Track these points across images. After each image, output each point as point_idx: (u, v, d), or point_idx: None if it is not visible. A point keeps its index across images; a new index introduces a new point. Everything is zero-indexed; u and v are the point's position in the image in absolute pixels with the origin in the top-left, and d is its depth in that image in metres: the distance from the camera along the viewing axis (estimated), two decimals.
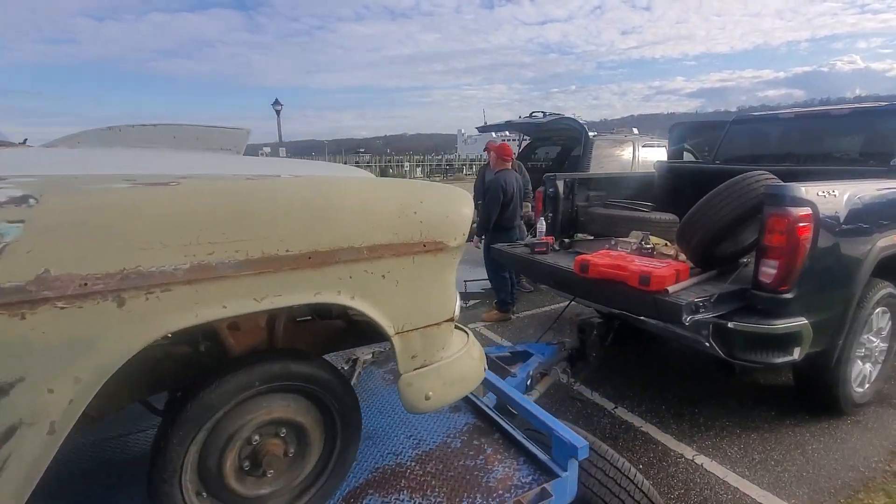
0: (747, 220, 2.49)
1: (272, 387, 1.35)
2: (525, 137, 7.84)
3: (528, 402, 1.80)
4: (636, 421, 2.94)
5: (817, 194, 2.33)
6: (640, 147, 6.83)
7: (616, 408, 3.07)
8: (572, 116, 6.53)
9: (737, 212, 2.49)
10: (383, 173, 29.55)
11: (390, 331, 1.36)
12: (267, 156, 29.55)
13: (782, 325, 2.31)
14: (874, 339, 2.92)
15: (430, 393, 1.46)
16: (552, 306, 4.89)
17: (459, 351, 1.55)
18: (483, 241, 4.73)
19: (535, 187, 4.48)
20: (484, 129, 7.34)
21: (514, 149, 6.09)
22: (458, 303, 1.59)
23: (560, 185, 3.73)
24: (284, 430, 1.39)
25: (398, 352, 1.40)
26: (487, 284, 5.06)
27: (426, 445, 1.83)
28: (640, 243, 2.86)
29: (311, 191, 1.24)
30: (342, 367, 2.34)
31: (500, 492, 1.53)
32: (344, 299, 1.26)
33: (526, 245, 3.33)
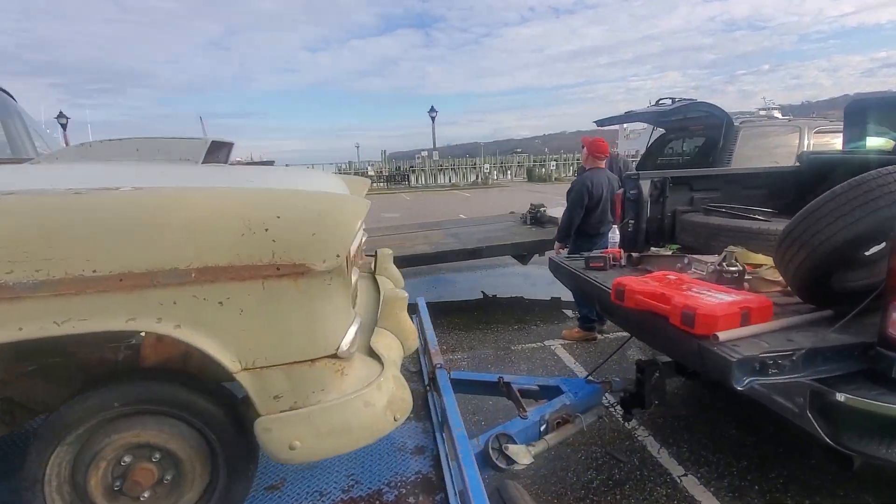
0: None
1: (140, 409, 1.26)
2: (659, 130, 6.69)
3: (474, 478, 1.39)
4: (707, 501, 2.16)
5: None
6: (810, 134, 5.24)
7: (685, 475, 2.32)
8: (710, 103, 5.30)
9: (874, 223, 1.61)
10: (529, 174, 28.91)
11: (233, 366, 1.14)
12: (422, 158, 31.52)
13: None
14: None
15: (297, 443, 1.20)
16: None
17: (351, 395, 1.26)
18: (567, 249, 4.14)
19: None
20: (603, 123, 6.46)
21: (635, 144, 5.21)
22: (352, 334, 1.29)
23: (646, 185, 2.99)
24: (158, 456, 1.29)
25: (250, 391, 1.18)
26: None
27: (359, 490, 1.57)
28: (721, 264, 2.09)
29: (135, 207, 1.09)
30: None
31: None
32: (165, 328, 1.09)
33: (584, 258, 2.74)
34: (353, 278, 1.50)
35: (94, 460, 1.25)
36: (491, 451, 1.84)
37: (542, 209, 5.60)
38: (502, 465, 1.82)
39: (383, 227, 7.07)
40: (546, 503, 2.25)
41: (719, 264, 2.09)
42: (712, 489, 2.22)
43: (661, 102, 5.62)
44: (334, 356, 1.24)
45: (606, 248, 3.45)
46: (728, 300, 1.68)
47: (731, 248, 2.26)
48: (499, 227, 5.98)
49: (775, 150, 5.14)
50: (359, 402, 1.26)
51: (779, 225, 2.44)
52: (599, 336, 4.01)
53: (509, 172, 33.58)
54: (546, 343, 4.00)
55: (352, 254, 1.49)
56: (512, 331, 4.37)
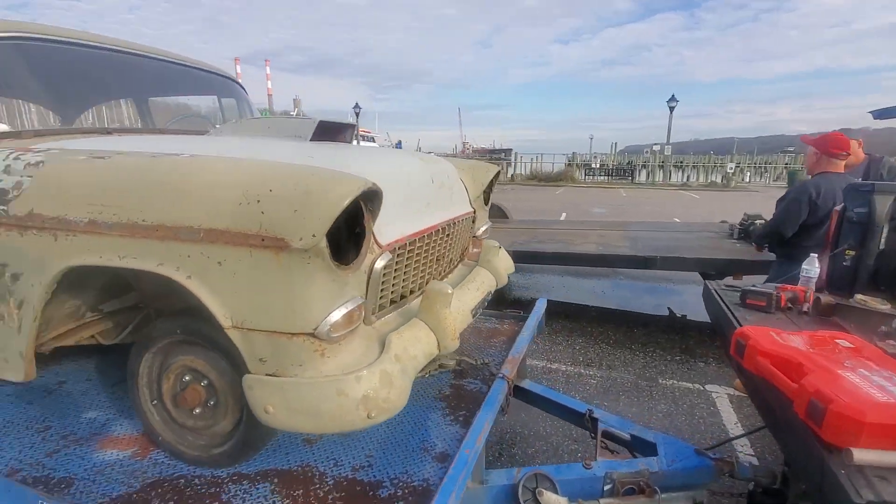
0: None
1: (194, 341, 1.49)
2: None
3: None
4: None
5: None
6: None
7: None
8: None
9: None
10: (791, 178, 22.81)
11: (225, 322, 1.23)
12: (652, 153, 28.22)
13: None
14: None
15: (270, 408, 1.24)
16: None
17: (325, 379, 1.22)
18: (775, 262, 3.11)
19: None
20: (882, 115, 4.47)
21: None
22: (336, 318, 1.22)
23: (884, 202, 1.96)
24: (205, 382, 1.51)
25: (240, 348, 1.26)
26: None
27: (365, 473, 1.55)
28: None
29: (172, 170, 1.26)
30: None
31: None
32: (181, 277, 1.24)
33: (741, 290, 1.99)
34: (381, 263, 1.43)
35: (167, 371, 1.55)
36: (521, 489, 1.56)
37: (757, 221, 4.36)
38: None
39: (560, 220, 6.67)
40: None
41: None
42: None
43: None
44: (312, 335, 1.21)
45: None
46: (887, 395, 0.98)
47: None
48: (694, 236, 4.93)
49: None
50: (331, 387, 1.22)
51: None
52: None
53: (766, 175, 27.50)
54: (707, 387, 3.14)
55: (376, 239, 1.43)
56: (670, 361, 3.59)
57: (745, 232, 4.53)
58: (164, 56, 2.52)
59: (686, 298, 5.17)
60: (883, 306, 1.72)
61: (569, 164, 29.24)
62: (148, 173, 1.29)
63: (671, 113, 22.58)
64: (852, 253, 2.07)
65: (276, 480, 1.50)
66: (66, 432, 1.74)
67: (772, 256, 3.20)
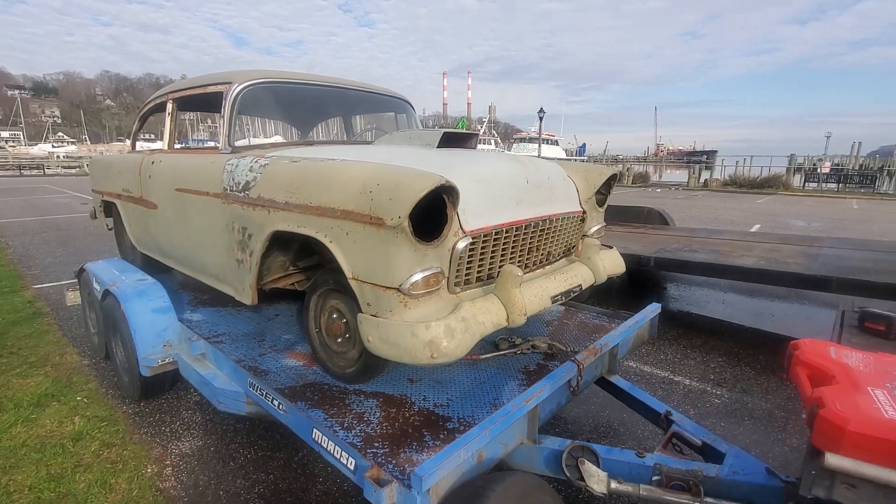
0: None
1: (337, 288, 2.08)
2: None
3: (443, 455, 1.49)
4: None
5: None
6: None
7: None
8: None
9: None
10: None
11: (349, 274, 1.75)
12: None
13: None
14: None
15: (370, 338, 1.72)
16: None
17: (405, 323, 1.64)
18: None
19: None
20: None
21: None
22: (415, 279, 1.62)
23: None
24: (344, 320, 2.10)
25: (357, 294, 1.76)
26: None
27: (439, 411, 1.91)
28: None
29: (326, 170, 1.84)
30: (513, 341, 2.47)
31: None
32: (326, 241, 1.81)
33: (860, 312, 1.67)
34: (462, 245, 1.77)
35: (324, 309, 2.18)
36: (567, 455, 1.72)
37: None
38: (568, 474, 1.68)
39: (729, 231, 5.85)
40: None
41: None
42: None
43: None
44: (398, 290, 1.64)
45: None
46: None
47: None
48: None
49: None
50: (407, 329, 1.63)
51: None
52: None
53: None
54: None
55: (461, 225, 1.77)
56: None
57: None
58: (360, 87, 3.30)
59: None
60: None
61: (789, 168, 24.18)
62: (314, 172, 1.91)
63: None
64: None
65: (381, 399, 2.00)
66: (271, 344, 2.56)
67: None
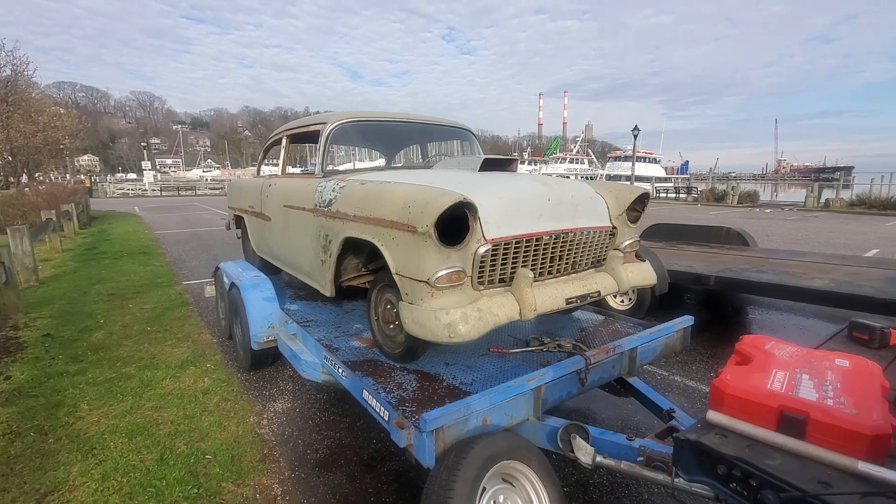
0: None
1: (390, 283, 2.56)
2: None
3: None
4: None
5: None
6: None
7: None
8: None
9: None
10: None
11: (393, 270, 2.22)
12: None
13: None
14: None
15: (407, 321, 2.16)
16: None
17: (430, 309, 2.06)
18: None
19: None
20: None
21: None
22: (440, 274, 2.02)
23: None
24: (395, 310, 2.57)
25: (399, 285, 2.22)
26: None
27: (465, 387, 2.28)
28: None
29: (383, 190, 2.34)
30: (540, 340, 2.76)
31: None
32: (378, 244, 2.30)
33: (849, 322, 1.68)
34: (482, 250, 2.14)
35: (380, 300, 2.68)
36: (562, 431, 1.98)
37: None
38: (562, 447, 1.94)
39: (810, 252, 5.35)
40: None
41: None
42: None
43: None
44: (427, 283, 2.06)
45: None
46: (802, 396, 1.05)
47: None
48: None
49: None
50: (432, 314, 2.04)
51: None
52: None
53: None
54: None
55: (483, 233, 2.14)
56: None
57: None
58: (428, 120, 3.86)
59: None
60: None
61: None
62: (374, 192, 2.43)
63: None
64: None
65: (419, 375, 2.42)
66: (345, 330, 3.13)
67: None
